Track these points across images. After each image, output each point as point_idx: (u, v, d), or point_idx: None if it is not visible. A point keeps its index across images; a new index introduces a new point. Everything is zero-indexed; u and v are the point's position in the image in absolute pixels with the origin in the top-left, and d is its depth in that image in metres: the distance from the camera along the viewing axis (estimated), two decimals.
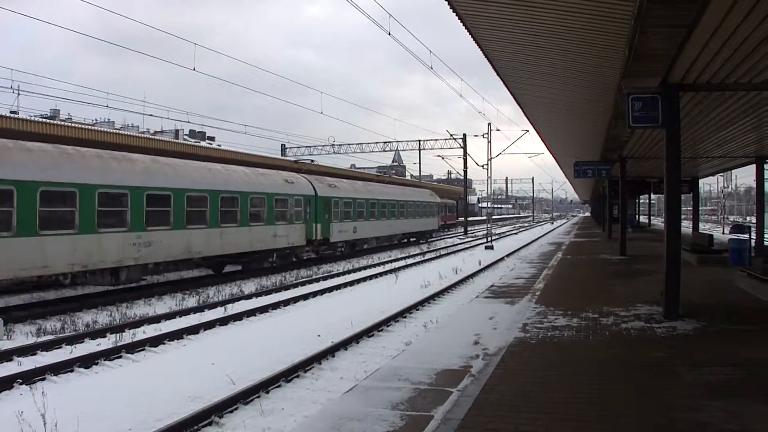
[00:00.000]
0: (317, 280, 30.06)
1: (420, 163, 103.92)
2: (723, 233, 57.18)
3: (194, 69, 34.49)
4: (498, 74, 19.15)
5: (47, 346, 15.76)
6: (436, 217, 65.93)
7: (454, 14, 13.48)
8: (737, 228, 29.94)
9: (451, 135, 76.64)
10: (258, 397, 11.52)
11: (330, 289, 26.22)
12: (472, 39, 15.57)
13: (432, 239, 66.49)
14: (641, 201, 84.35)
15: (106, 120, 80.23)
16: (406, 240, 59.11)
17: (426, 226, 62.12)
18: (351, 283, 28.27)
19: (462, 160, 75.61)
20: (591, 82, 17.89)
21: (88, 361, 14.28)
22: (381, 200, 49.56)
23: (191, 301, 23.24)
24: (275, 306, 21.72)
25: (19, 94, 43.44)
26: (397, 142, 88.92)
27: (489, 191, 67.96)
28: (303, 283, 28.42)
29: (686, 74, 14.18)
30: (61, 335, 17.15)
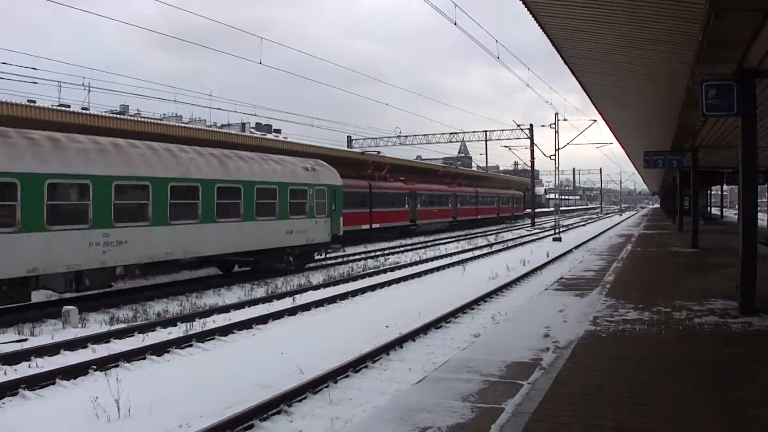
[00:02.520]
0: (384, 271, 30.15)
1: (486, 154, 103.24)
2: None
3: (260, 62, 34.78)
4: (565, 62, 18.89)
5: (120, 334, 16.15)
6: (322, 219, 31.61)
7: (521, 1, 13.30)
8: None
9: (518, 125, 76.11)
10: (326, 386, 11.55)
11: (398, 280, 26.28)
12: (539, 27, 15.38)
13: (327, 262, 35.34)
14: (713, 192, 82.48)
15: (174, 114, 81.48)
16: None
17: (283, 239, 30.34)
18: (419, 275, 28.24)
19: (529, 151, 74.93)
20: (662, 69, 17.53)
21: (159, 349, 14.59)
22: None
23: (260, 292, 23.51)
24: (343, 297, 21.86)
25: (89, 90, 44.28)
26: (463, 132, 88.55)
27: (556, 182, 67.28)
28: (370, 274, 28.58)
29: (763, 59, 13.74)
30: (133, 324, 17.52)
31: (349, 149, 70.20)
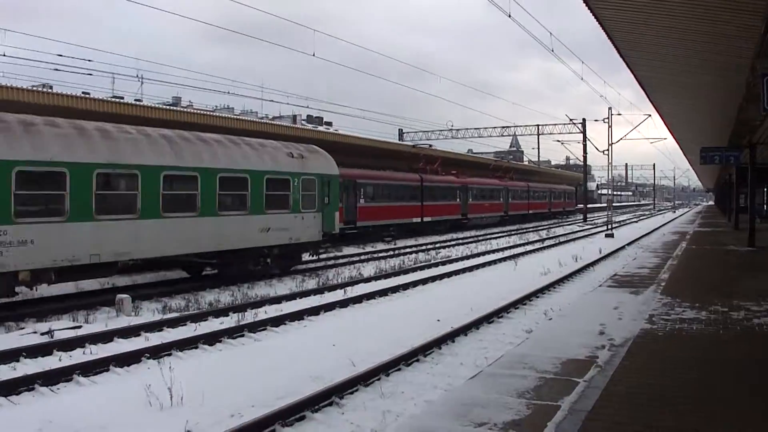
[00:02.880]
0: (436, 264, 30.00)
1: (538, 149, 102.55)
2: None
3: (314, 54, 34.84)
4: (621, 56, 18.64)
5: (172, 323, 16.31)
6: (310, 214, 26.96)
7: None
8: None
9: (571, 120, 75.33)
10: (378, 379, 11.50)
11: (449, 274, 26.12)
12: (594, 19, 15.14)
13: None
14: None
15: (226, 106, 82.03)
16: None
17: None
18: (470, 269, 28.11)
19: (581, 146, 74.21)
20: (721, 63, 17.21)
21: (211, 339, 14.68)
22: None
23: (311, 283, 23.60)
24: (394, 290, 21.83)
25: (142, 82, 44.77)
26: (515, 126, 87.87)
27: (609, 177, 66.48)
28: (421, 268, 28.43)
29: None
30: (185, 313, 17.68)
31: (400, 142, 70.08)
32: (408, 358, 12.79)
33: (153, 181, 19.77)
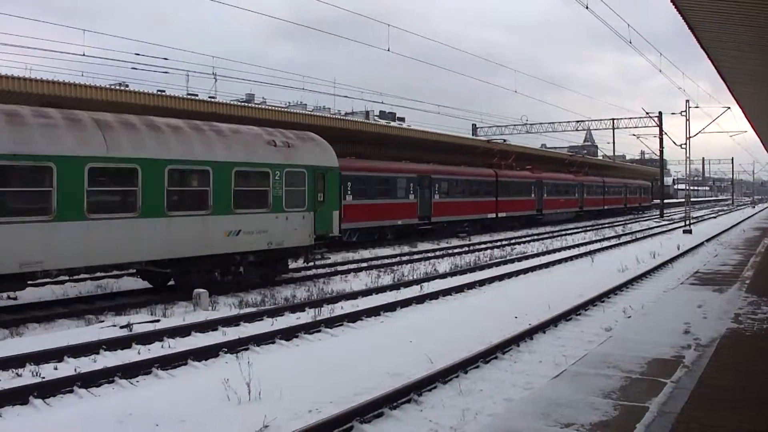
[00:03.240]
0: (511, 261, 29.72)
1: (614, 143, 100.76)
2: None
3: (388, 50, 34.74)
4: (702, 48, 18.13)
5: (249, 318, 16.44)
6: (297, 214, 22.47)
7: None
8: None
9: (647, 113, 73.83)
10: (456, 376, 11.40)
11: (524, 271, 25.83)
12: (675, 9, 14.72)
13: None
14: None
15: (299, 103, 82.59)
16: None
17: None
18: (546, 265, 27.74)
19: (657, 140, 72.67)
20: None
21: (288, 334, 14.74)
22: None
23: (386, 279, 23.55)
24: (470, 286, 21.63)
25: (216, 79, 45.27)
26: (590, 120, 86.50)
27: (687, 172, 64.94)
28: (497, 264, 28.18)
29: None
30: (261, 308, 17.80)
31: (474, 137, 69.67)
32: (486, 356, 12.64)
33: (74, 176, 16.38)
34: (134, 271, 21.78)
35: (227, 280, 20.51)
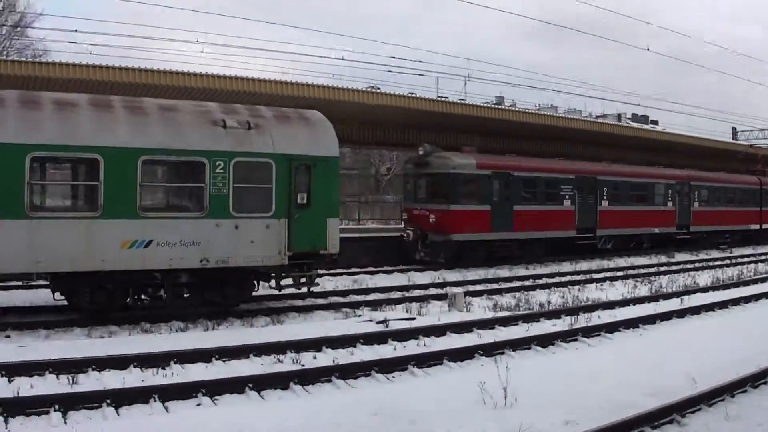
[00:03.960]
0: None
1: None
2: None
3: (648, 49, 33.71)
4: None
5: (504, 322, 16.38)
6: (258, 221, 16.59)
7: None
8: None
9: None
10: (722, 399, 10.60)
11: None
12: None
13: None
14: None
15: (550, 105, 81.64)
16: None
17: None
18: None
19: None
20: None
21: (544, 341, 14.52)
22: None
23: (643, 290, 22.72)
24: (735, 302, 20.18)
25: (466, 82, 45.74)
26: None
27: None
28: (762, 279, 26.12)
29: None
30: (516, 312, 17.80)
31: (735, 141, 65.85)
32: (755, 380, 11.69)
33: None
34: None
35: (139, 305, 16.16)
